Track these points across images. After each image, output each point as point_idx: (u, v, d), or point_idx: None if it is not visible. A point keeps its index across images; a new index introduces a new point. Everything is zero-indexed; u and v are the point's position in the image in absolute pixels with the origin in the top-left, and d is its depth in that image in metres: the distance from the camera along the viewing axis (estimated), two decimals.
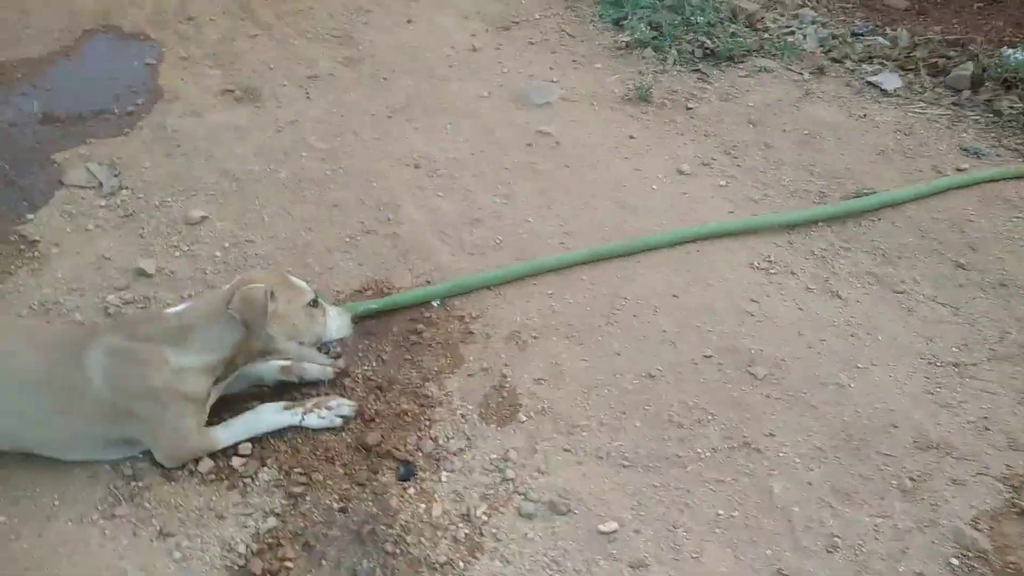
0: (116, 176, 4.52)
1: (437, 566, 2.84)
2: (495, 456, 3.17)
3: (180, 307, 3.10)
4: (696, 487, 3.04)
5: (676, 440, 3.20)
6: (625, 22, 5.80)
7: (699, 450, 3.17)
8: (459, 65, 5.51)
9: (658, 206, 4.31)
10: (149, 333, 3.00)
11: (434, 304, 3.75)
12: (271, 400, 3.27)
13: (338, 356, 3.33)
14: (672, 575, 2.79)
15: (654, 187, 4.46)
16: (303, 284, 3.19)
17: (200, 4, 6.21)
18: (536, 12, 6.10)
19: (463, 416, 3.31)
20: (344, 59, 5.60)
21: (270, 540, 2.89)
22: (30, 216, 4.20)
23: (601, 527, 2.93)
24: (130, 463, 3.11)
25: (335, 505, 3.01)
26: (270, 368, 3.38)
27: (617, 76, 5.39)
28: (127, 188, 4.44)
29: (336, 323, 3.21)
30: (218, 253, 4.03)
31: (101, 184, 4.48)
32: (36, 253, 4.00)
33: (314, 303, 3.17)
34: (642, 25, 5.65)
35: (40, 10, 5.95)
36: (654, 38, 5.61)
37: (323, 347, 3.24)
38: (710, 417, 3.29)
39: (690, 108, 5.05)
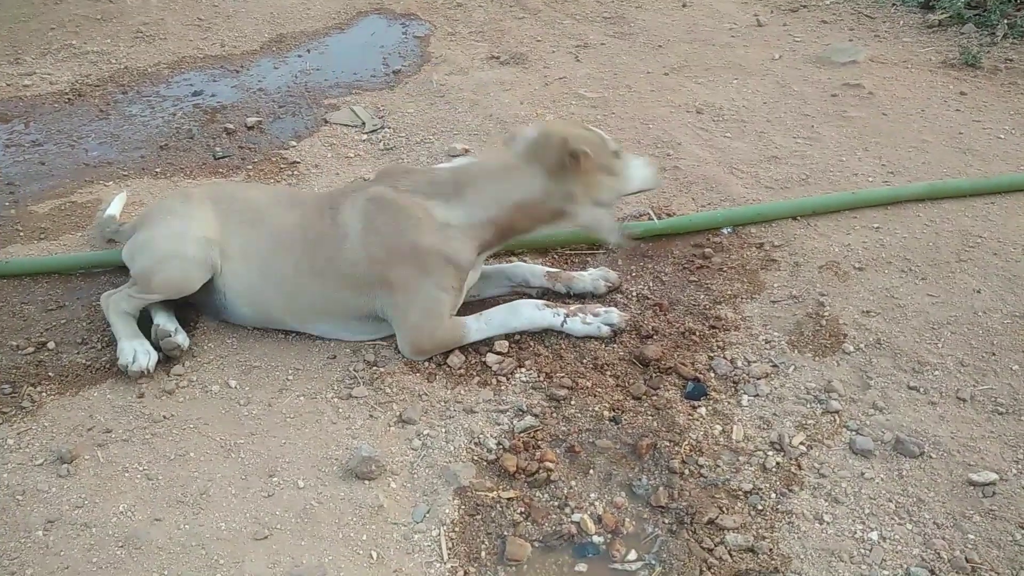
0: (380, 118, 4.37)
1: (740, 494, 2.14)
2: (813, 386, 2.45)
3: (456, 162, 2.71)
4: None
5: None
6: (937, 3, 5.05)
7: None
8: (743, 36, 5.00)
9: (1011, 153, 3.50)
10: (415, 185, 2.63)
11: (724, 231, 3.14)
12: None
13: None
14: None
15: (1001, 136, 3.63)
16: (602, 133, 2.71)
17: None
18: None
19: (767, 342, 2.64)
20: (615, 33, 5.27)
21: (526, 439, 2.34)
22: (293, 143, 4.12)
23: (973, 476, 2.11)
24: (373, 349, 2.72)
25: (606, 414, 2.41)
26: (535, 272, 2.90)
27: (932, 48, 4.63)
28: (389, 128, 4.26)
29: (641, 174, 2.72)
30: None
31: (364, 123, 4.34)
32: (296, 172, 3.87)
33: (617, 153, 2.68)
34: (960, 3, 4.88)
35: None
36: (976, 15, 4.82)
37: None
38: None
39: None
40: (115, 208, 3.36)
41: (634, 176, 2.69)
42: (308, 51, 5.36)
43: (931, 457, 2.19)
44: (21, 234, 3.40)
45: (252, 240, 2.75)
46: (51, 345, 2.79)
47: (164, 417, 2.48)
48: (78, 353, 2.76)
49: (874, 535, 2.02)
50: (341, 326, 2.74)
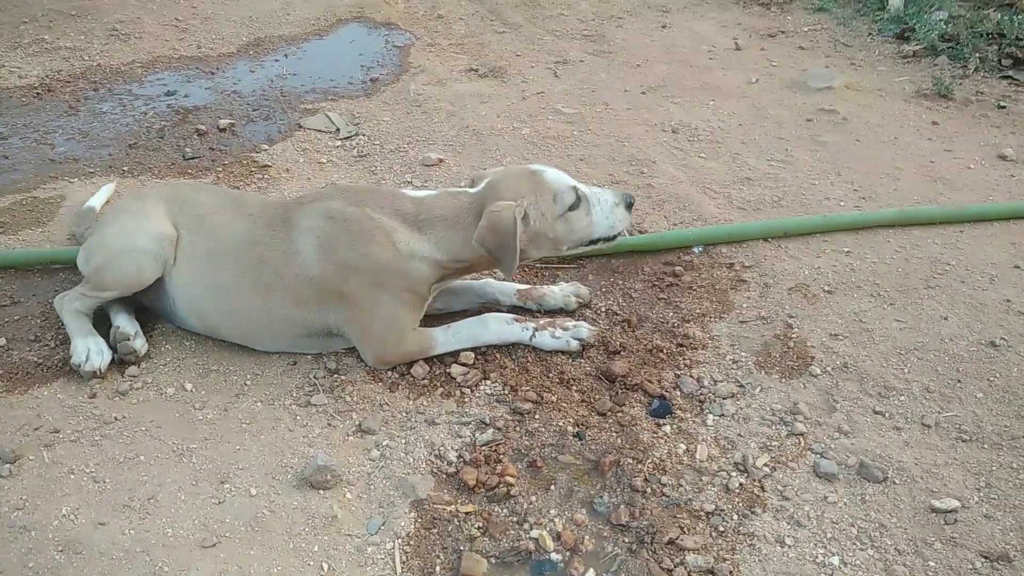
0: (355, 125, 4.33)
1: (702, 514, 2.11)
2: (779, 407, 2.43)
3: (421, 193, 2.65)
4: None
5: None
6: (912, 34, 5.13)
7: None
8: (721, 59, 5.02)
9: (980, 183, 3.53)
10: (380, 205, 2.57)
11: (695, 250, 3.13)
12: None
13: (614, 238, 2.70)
14: None
15: (971, 167, 3.66)
16: (562, 181, 2.56)
17: (450, 6, 6.18)
18: (804, 26, 5.55)
19: (734, 362, 2.62)
20: (595, 51, 5.28)
21: (488, 453, 2.29)
22: (265, 147, 4.07)
23: (935, 503, 2.09)
24: (335, 357, 2.67)
25: (570, 429, 2.38)
26: (506, 292, 2.87)
27: (906, 77, 4.68)
28: (364, 135, 4.22)
29: (606, 221, 2.60)
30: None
31: (338, 129, 4.30)
32: (266, 175, 3.81)
33: (574, 205, 2.55)
34: (934, 35, 4.96)
35: (301, 3, 6.14)
36: (950, 47, 4.89)
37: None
38: None
39: (1003, 107, 4.23)
40: (98, 200, 3.28)
41: (598, 223, 2.59)
42: (286, 56, 5.31)
43: (894, 483, 2.18)
44: None
45: (197, 246, 2.65)
46: (2, 342, 2.70)
47: (116, 419, 2.40)
48: (30, 351, 2.68)
49: (835, 559, 1.99)
50: (294, 342, 2.65)
